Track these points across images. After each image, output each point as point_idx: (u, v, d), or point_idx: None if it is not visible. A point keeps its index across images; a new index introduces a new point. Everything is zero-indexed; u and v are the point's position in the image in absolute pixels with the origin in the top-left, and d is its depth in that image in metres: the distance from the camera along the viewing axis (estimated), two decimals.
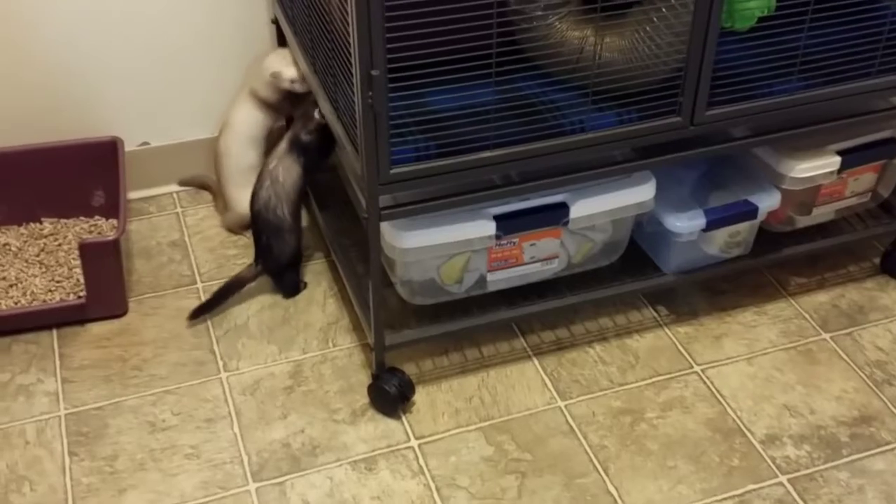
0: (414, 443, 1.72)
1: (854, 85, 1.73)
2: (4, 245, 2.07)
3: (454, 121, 1.55)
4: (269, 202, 1.90)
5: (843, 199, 1.95)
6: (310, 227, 2.15)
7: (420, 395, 1.80)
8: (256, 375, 1.84)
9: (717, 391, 1.83)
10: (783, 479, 1.68)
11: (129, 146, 2.15)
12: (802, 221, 1.95)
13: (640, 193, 1.75)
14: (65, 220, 2.14)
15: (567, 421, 1.77)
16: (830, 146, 1.87)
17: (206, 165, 2.25)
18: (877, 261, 2.11)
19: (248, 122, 2.08)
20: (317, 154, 1.91)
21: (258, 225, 1.93)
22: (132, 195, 2.22)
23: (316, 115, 1.86)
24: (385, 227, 1.63)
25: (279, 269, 1.97)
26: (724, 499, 1.64)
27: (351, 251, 1.96)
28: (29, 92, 2.07)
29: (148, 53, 2.11)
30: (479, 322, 1.79)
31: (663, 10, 1.54)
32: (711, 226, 1.82)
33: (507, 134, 1.55)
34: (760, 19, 1.64)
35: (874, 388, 1.84)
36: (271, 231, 1.92)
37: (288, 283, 2.00)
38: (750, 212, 1.84)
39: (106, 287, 1.90)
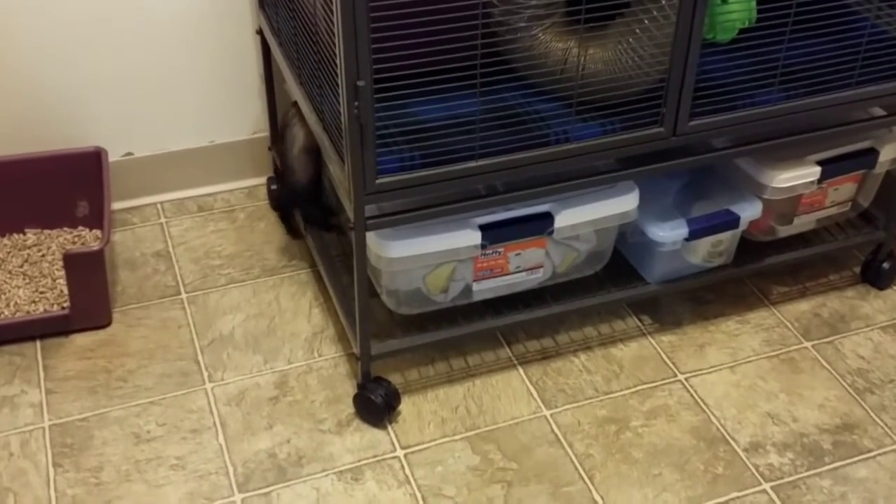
0: (400, 452, 1.73)
1: (834, 96, 1.75)
2: None
3: (439, 131, 1.56)
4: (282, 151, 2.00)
5: (823, 209, 1.97)
6: (295, 238, 2.15)
7: (406, 405, 1.80)
8: (242, 386, 1.84)
9: (701, 399, 1.84)
10: (767, 486, 1.69)
11: (113, 157, 2.15)
12: (784, 231, 1.97)
13: (623, 203, 1.76)
14: (48, 231, 2.13)
15: (553, 430, 1.77)
16: (811, 156, 1.88)
17: (190, 175, 2.26)
18: (857, 270, 2.13)
19: None
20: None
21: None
22: (116, 206, 2.21)
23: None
24: (371, 236, 1.64)
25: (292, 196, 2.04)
26: None
27: (336, 261, 1.97)
28: (12, 102, 2.07)
29: (131, 63, 2.11)
30: (465, 332, 1.80)
31: (646, 21, 1.55)
32: (694, 235, 1.83)
33: (492, 144, 1.56)
34: (742, 31, 1.65)
35: (856, 396, 1.86)
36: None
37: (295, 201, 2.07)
38: (732, 221, 1.85)
39: (90, 298, 1.90)
